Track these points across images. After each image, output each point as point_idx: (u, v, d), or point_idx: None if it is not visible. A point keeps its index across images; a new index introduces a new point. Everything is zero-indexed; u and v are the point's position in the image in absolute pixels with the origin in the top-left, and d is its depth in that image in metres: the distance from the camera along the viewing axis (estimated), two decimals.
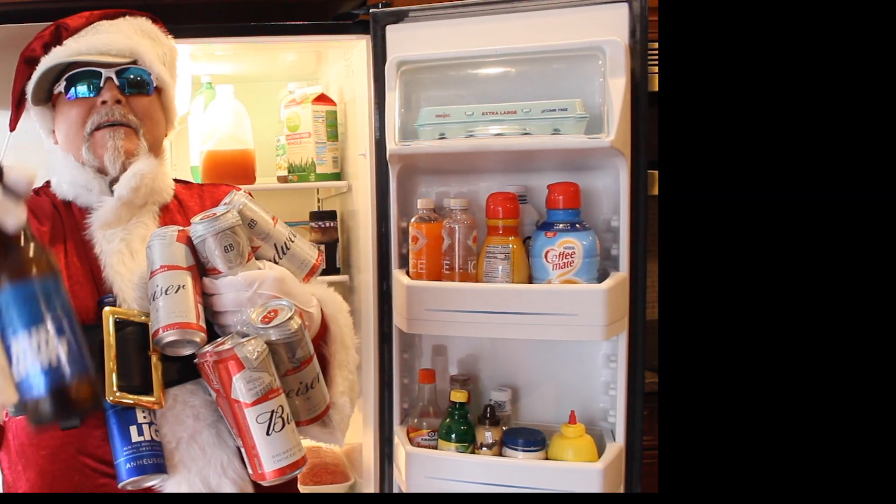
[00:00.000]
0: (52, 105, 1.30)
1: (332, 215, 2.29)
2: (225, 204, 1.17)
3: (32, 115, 1.32)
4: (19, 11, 1.87)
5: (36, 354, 0.80)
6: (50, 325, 0.81)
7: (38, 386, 0.80)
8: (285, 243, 1.20)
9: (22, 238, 0.84)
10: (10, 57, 1.35)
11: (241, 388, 1.04)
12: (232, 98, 2.23)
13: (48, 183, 1.31)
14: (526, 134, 1.68)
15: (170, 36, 1.39)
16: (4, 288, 0.81)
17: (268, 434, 1.04)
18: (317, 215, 2.30)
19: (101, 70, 1.24)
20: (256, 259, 1.17)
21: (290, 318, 1.07)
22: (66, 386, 0.82)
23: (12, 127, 1.37)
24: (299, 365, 1.09)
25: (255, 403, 1.04)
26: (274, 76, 2.55)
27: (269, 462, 1.05)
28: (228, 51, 2.12)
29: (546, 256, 1.66)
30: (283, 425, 1.05)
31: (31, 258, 0.83)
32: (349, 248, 2.31)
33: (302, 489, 1.74)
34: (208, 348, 1.07)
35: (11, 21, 1.84)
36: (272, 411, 1.04)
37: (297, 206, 2.53)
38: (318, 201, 2.59)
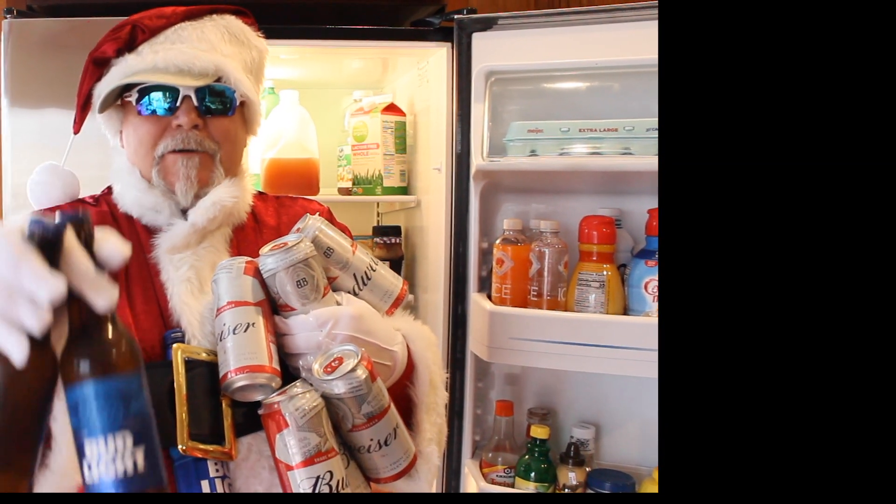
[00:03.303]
0: (121, 105, 1.15)
1: (396, 231, 2.17)
2: (297, 231, 1.04)
3: (98, 118, 1.18)
4: (83, 5, 1.78)
5: (111, 462, 0.71)
6: (129, 432, 0.72)
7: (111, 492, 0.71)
8: (366, 272, 1.06)
9: (109, 323, 0.74)
10: (54, 54, 1.25)
11: (284, 448, 0.91)
12: (296, 104, 2.12)
13: (109, 189, 1.18)
14: (627, 153, 1.56)
15: (260, 34, 1.21)
16: (86, 381, 0.71)
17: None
18: (381, 230, 2.18)
19: (179, 87, 1.08)
20: (334, 291, 1.03)
21: (354, 369, 0.92)
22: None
23: (76, 129, 1.22)
24: (368, 420, 0.95)
25: (298, 466, 0.91)
26: (336, 83, 2.45)
27: None
28: (294, 55, 2.02)
29: (646, 287, 1.54)
30: (330, 493, 0.91)
31: (116, 348, 0.74)
32: (414, 266, 2.20)
33: None
34: (273, 397, 0.94)
35: (75, 14, 1.76)
36: (318, 477, 0.91)
37: (357, 220, 2.42)
38: (378, 215, 2.48)
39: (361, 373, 0.93)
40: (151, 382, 0.96)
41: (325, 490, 0.91)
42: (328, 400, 0.94)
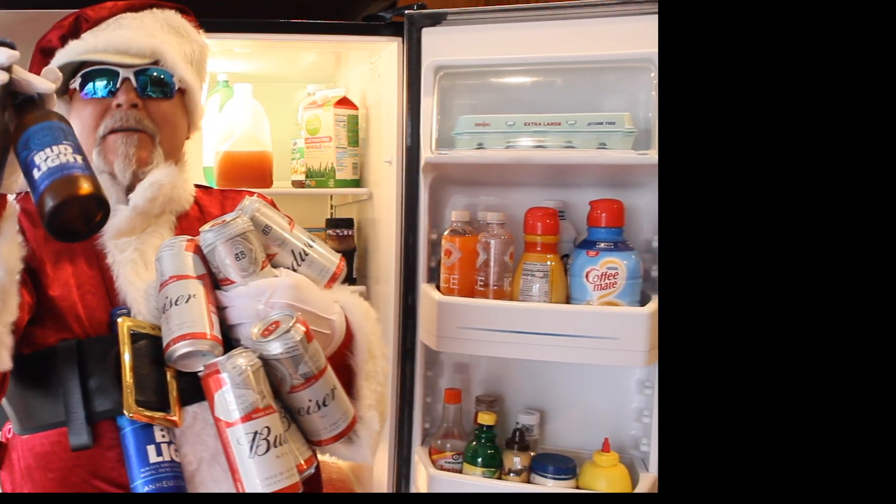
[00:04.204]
0: (69, 98, 1.21)
1: (349, 223, 2.20)
2: (237, 210, 1.10)
3: None
4: None
5: (56, 158, 0.85)
6: (69, 145, 0.87)
7: (52, 175, 0.84)
8: (303, 250, 1.12)
9: (49, 108, 0.92)
10: (26, 42, 1.27)
11: (221, 406, 0.96)
12: (250, 97, 2.14)
13: None
14: (570, 147, 1.61)
15: (201, 31, 1.30)
16: (34, 123, 0.88)
17: (249, 457, 0.95)
18: (333, 222, 2.21)
19: (119, 69, 1.15)
20: (273, 267, 1.09)
21: (289, 331, 0.98)
22: (73, 175, 0.85)
23: None
24: (306, 381, 1.00)
25: (235, 423, 0.95)
26: (290, 77, 2.46)
27: (250, 488, 0.95)
28: (248, 48, 2.04)
29: (587, 276, 1.59)
30: (268, 448, 0.95)
31: (54, 112, 0.92)
32: (366, 258, 2.23)
33: None
34: (213, 360, 0.99)
35: (25, 6, 1.75)
36: (255, 432, 0.95)
37: (311, 212, 2.44)
38: (332, 208, 2.51)
39: (296, 334, 0.98)
40: (99, 354, 1.02)
41: (263, 445, 0.95)
42: (266, 362, 0.98)
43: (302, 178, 2.20)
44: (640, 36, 1.59)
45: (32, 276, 1.08)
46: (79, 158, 0.86)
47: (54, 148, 0.85)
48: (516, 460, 1.70)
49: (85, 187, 0.84)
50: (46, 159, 0.85)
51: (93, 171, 0.87)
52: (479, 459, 1.71)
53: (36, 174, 0.85)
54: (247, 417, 0.95)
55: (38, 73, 1.18)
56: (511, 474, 1.70)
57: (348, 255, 2.16)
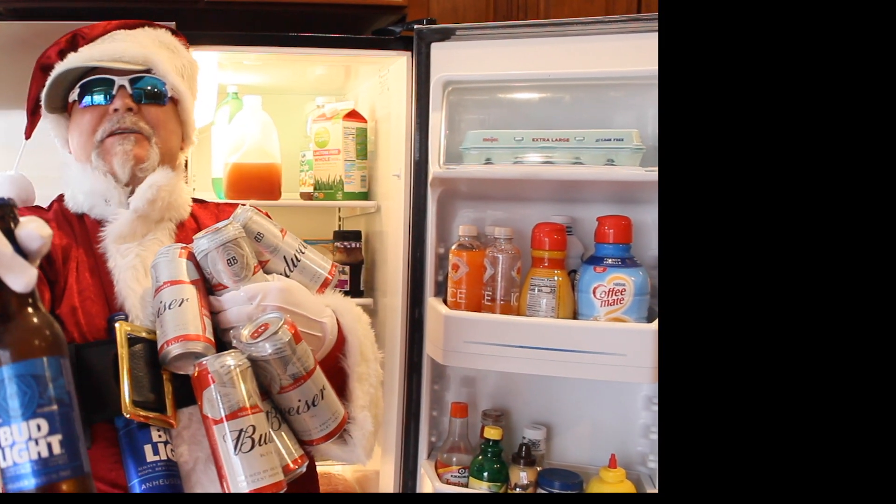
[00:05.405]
0: (68, 114, 1.26)
1: (356, 235, 2.21)
2: (230, 218, 1.13)
3: (48, 124, 1.28)
4: (49, 8, 1.80)
5: (24, 447, 0.71)
6: (44, 420, 0.71)
7: (26, 479, 0.71)
8: (295, 256, 1.14)
9: (29, 305, 0.74)
10: (23, 56, 1.32)
11: (208, 404, 0.98)
12: (260, 109, 2.15)
13: (61, 197, 1.26)
14: (578, 163, 1.62)
15: (190, 49, 1.36)
16: (3, 363, 0.71)
17: (234, 454, 0.96)
18: (341, 235, 2.22)
19: (115, 78, 1.20)
20: (266, 273, 1.11)
21: (277, 332, 0.99)
22: (55, 484, 0.72)
23: (27, 135, 1.36)
24: (294, 381, 1.02)
25: (220, 421, 0.97)
26: (299, 89, 2.48)
27: (234, 484, 0.97)
28: (257, 61, 2.05)
29: (594, 292, 1.59)
30: (253, 446, 0.97)
31: (36, 330, 0.73)
32: (373, 271, 2.23)
33: None
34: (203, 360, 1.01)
35: (41, 18, 1.78)
36: (241, 430, 0.96)
37: (319, 225, 2.45)
38: (340, 220, 2.51)
39: (284, 335, 1.00)
40: (96, 357, 1.03)
41: (248, 443, 0.96)
42: (256, 363, 1.00)
43: (310, 190, 2.21)
44: (648, 53, 1.60)
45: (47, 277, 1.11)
46: (55, 443, 0.71)
47: (25, 426, 0.70)
48: (522, 475, 1.70)
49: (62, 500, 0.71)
50: (13, 446, 0.69)
51: (78, 458, 0.73)
52: (485, 474, 1.71)
53: (2, 459, 0.70)
54: (232, 416, 0.97)
55: (38, 90, 1.24)
56: (517, 489, 1.70)
57: (355, 267, 2.16)
